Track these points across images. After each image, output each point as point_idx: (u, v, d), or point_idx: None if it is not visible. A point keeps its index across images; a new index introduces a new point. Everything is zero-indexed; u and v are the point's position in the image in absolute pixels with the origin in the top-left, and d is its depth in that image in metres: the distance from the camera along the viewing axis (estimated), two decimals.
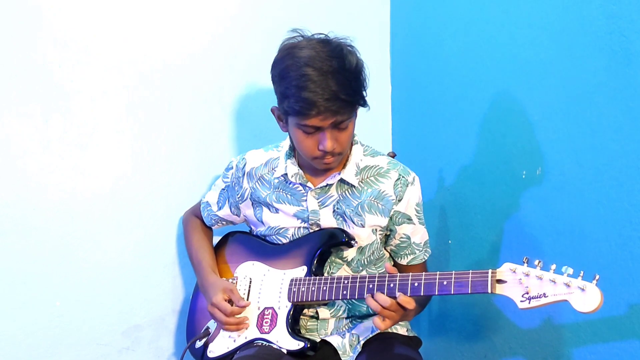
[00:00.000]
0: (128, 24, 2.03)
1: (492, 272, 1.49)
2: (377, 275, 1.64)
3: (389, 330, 1.82)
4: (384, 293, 1.59)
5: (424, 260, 1.88)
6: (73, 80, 1.97)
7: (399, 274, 1.61)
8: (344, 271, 1.81)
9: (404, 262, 1.87)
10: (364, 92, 1.67)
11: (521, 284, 1.45)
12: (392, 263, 1.90)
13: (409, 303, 1.57)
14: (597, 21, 1.58)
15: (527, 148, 1.82)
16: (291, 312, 1.73)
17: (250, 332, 1.76)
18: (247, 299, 1.80)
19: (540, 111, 1.78)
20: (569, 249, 1.71)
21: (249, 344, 1.75)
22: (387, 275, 1.61)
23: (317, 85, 1.59)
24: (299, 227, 1.80)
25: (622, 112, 1.54)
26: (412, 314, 1.73)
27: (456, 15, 2.08)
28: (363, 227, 1.77)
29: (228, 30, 2.16)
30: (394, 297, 1.57)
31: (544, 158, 1.77)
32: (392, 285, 1.60)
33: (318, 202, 1.79)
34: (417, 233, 1.84)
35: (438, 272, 1.56)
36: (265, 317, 1.76)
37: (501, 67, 1.91)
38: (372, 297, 1.60)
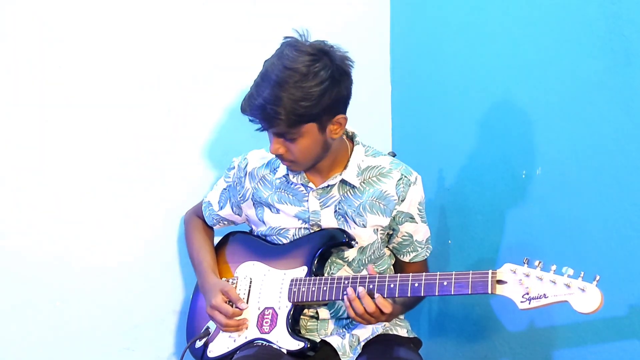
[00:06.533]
0: (128, 24, 2.03)
1: (492, 273, 1.50)
2: (377, 275, 1.64)
3: (389, 332, 1.82)
4: (384, 294, 1.60)
5: (425, 257, 1.88)
6: (73, 80, 1.97)
7: (399, 274, 1.62)
8: (345, 271, 1.81)
9: (406, 259, 1.87)
10: (300, 117, 1.58)
11: (521, 285, 1.46)
12: (394, 261, 1.90)
13: (386, 307, 1.60)
14: (597, 21, 1.58)
15: (527, 148, 1.81)
16: (291, 312, 1.73)
17: (251, 332, 1.76)
18: (248, 299, 1.79)
19: (540, 111, 1.78)
20: (569, 249, 1.71)
21: (249, 344, 1.75)
22: (388, 275, 1.62)
23: (255, 87, 1.62)
24: (300, 228, 1.80)
25: (622, 112, 1.54)
26: (394, 317, 1.74)
27: (456, 15, 2.08)
28: (364, 227, 1.77)
29: (228, 30, 2.16)
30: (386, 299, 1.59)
31: (544, 158, 1.77)
32: (392, 285, 1.60)
33: (320, 203, 1.78)
34: (419, 231, 1.84)
35: (438, 273, 1.56)
36: (265, 317, 1.76)
37: (501, 67, 1.90)
38: (356, 298, 1.61)
